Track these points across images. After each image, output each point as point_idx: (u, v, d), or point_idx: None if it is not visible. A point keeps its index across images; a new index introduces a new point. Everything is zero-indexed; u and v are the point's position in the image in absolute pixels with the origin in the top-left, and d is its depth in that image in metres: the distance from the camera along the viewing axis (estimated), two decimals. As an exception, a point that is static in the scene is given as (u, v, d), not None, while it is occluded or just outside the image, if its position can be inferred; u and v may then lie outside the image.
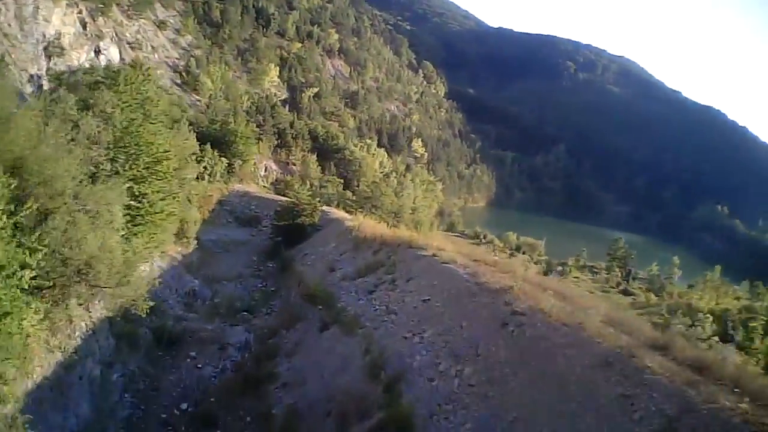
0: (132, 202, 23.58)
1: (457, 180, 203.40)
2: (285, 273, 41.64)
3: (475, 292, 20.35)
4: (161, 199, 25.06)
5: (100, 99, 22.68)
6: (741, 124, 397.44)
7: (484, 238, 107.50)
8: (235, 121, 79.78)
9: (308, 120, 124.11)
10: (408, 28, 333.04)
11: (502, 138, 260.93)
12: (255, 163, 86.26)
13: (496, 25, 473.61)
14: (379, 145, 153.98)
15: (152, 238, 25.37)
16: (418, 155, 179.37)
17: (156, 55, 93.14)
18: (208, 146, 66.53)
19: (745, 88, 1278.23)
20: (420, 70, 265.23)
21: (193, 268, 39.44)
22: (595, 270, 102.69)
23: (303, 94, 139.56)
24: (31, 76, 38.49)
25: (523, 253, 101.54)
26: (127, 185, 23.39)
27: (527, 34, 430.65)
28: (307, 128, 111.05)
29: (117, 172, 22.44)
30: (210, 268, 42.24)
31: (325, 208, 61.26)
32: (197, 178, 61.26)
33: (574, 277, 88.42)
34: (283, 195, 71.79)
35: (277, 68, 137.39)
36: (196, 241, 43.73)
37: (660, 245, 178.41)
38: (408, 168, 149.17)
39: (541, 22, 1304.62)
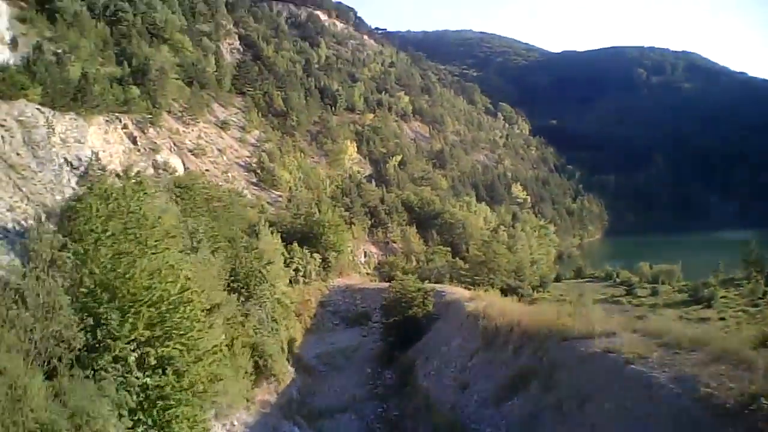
0: (147, 379, 14.97)
1: (567, 217, 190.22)
2: (406, 389, 32.75)
3: (700, 419, 11.23)
4: (196, 360, 16.27)
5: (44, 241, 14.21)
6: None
7: (617, 276, 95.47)
8: (320, 210, 72.39)
9: (398, 191, 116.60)
10: (474, 74, 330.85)
11: (598, 162, 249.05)
12: (352, 251, 78.66)
13: (559, 50, 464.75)
14: (479, 200, 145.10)
15: (196, 418, 16.53)
16: (521, 200, 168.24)
17: (224, 158, 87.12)
18: (295, 245, 59.35)
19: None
20: (498, 113, 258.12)
21: (293, 406, 30.77)
22: (736, 281, 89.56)
23: (387, 165, 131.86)
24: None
25: (662, 283, 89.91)
26: (134, 355, 14.85)
27: (592, 51, 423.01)
28: (399, 200, 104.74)
29: (106, 346, 13.91)
30: (315, 399, 33.70)
31: (437, 287, 52.54)
32: (290, 282, 54.72)
33: (722, 297, 76.29)
34: (389, 279, 63.83)
35: (355, 144, 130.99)
36: (293, 369, 35.64)
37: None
38: (515, 217, 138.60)
39: (600, 36, 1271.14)
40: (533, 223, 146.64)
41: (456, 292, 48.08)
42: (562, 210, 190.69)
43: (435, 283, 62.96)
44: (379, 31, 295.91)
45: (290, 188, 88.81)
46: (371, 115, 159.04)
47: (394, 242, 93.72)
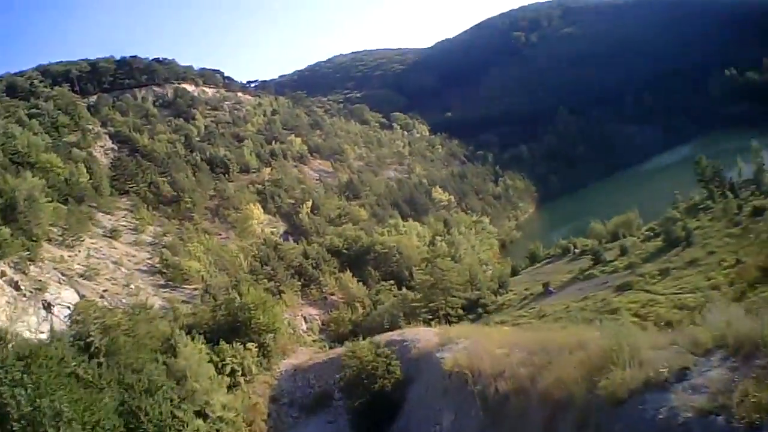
0: None
1: (495, 202, 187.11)
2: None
3: None
4: None
5: None
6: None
7: (576, 248, 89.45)
8: (239, 293, 64.02)
9: (320, 238, 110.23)
10: (359, 96, 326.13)
11: (505, 137, 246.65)
12: (289, 323, 70.58)
13: (431, 44, 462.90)
14: (404, 218, 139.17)
15: None
16: (446, 203, 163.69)
17: (122, 269, 77.76)
18: (222, 344, 51.40)
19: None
20: (394, 124, 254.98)
21: None
22: (700, 206, 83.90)
23: (299, 216, 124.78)
24: None
25: (624, 236, 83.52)
26: None
27: (464, 32, 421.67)
28: (323, 248, 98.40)
29: None
30: None
31: (395, 335, 45.76)
32: (229, 388, 47.01)
33: (695, 229, 69.67)
34: (340, 340, 60.26)
35: (259, 205, 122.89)
36: None
37: (713, 144, 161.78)
38: (446, 222, 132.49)
39: (468, 14, 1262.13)
40: (466, 221, 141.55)
41: (420, 336, 41.35)
42: (488, 197, 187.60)
43: (391, 329, 56.02)
44: (253, 84, 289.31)
45: (203, 277, 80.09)
46: (268, 169, 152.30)
47: (332, 295, 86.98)
